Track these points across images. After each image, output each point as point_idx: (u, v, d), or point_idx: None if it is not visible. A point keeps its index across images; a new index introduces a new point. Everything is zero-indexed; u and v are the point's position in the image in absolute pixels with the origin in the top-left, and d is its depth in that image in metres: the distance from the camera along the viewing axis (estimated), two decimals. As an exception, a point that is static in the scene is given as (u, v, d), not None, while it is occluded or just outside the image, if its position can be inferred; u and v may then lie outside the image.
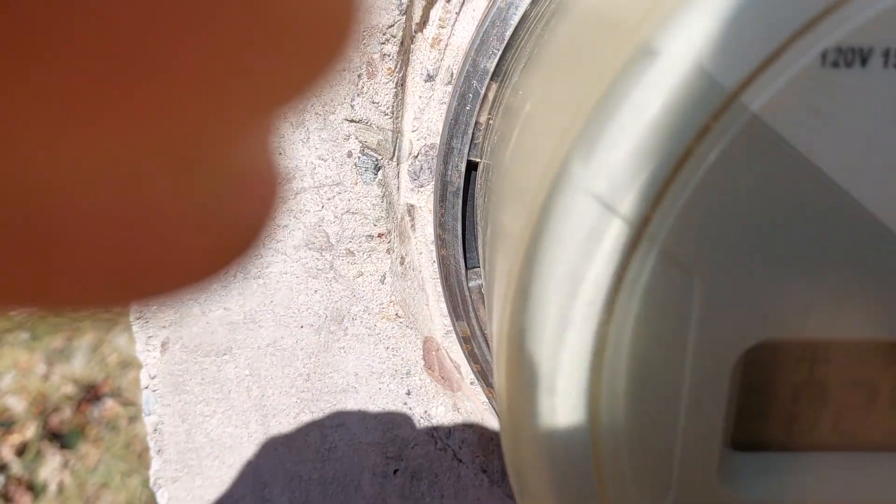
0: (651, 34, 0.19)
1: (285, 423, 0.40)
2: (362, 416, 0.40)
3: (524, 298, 0.22)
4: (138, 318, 0.38)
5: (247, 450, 0.41)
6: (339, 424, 0.40)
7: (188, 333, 0.38)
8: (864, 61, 0.19)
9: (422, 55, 0.36)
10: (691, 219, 0.20)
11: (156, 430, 0.41)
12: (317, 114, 0.34)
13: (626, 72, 0.19)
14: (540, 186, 0.21)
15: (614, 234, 0.20)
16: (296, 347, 0.39)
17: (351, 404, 0.40)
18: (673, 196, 0.20)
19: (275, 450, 0.41)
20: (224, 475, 0.41)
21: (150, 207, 0.09)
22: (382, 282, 0.38)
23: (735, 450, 0.24)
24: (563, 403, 0.22)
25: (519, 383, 0.23)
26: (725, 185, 0.20)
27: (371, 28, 0.33)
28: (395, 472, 0.41)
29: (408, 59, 0.36)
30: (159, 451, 0.41)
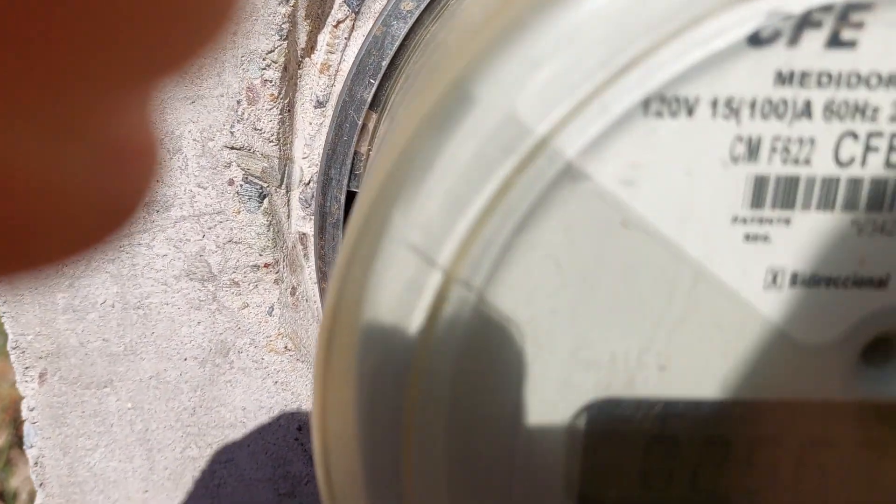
0: (467, 79, 0.18)
1: (171, 458, 0.39)
2: (252, 452, 0.39)
3: (351, 344, 0.21)
4: (15, 348, 0.37)
5: (132, 485, 0.39)
6: (227, 460, 0.39)
7: (66, 364, 0.37)
8: (690, 111, 0.18)
9: (311, 81, 0.35)
10: (509, 269, 0.19)
11: (37, 463, 0.39)
12: (194, 140, 0.33)
13: (440, 119, 0.18)
14: (359, 235, 0.20)
15: (432, 286, 0.19)
16: (180, 380, 0.37)
17: (240, 439, 0.38)
18: (485, 246, 0.19)
19: (161, 485, 0.39)
20: (109, 511, 0.40)
21: (14, 176, 0.09)
22: (270, 314, 0.36)
23: (583, 506, 0.23)
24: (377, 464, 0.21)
25: (338, 461, 0.21)
26: (541, 234, 0.19)
27: (250, 53, 0.32)
28: (288, 509, 0.40)
29: (295, 84, 0.34)
30: (41, 484, 0.39)
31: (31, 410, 0.38)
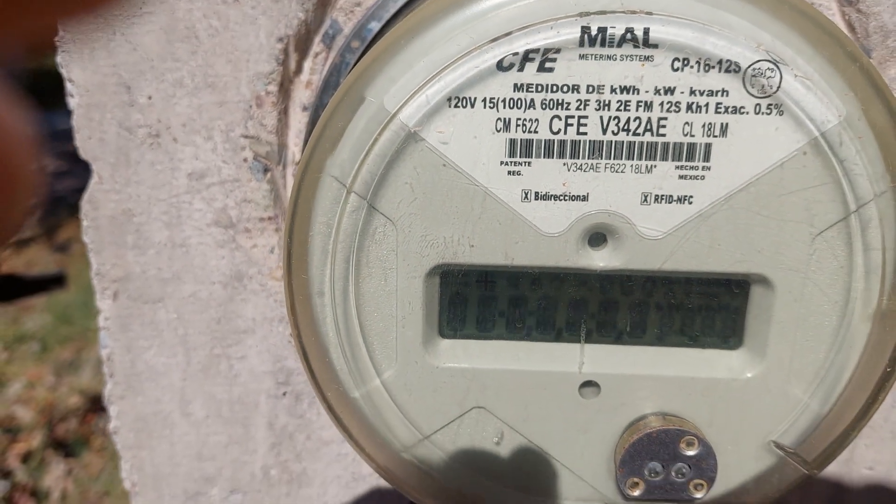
0: (360, 86, 0.35)
1: (202, 355, 0.55)
2: (259, 351, 0.55)
3: (303, 245, 0.37)
4: (97, 274, 0.54)
5: (174, 375, 0.56)
6: (241, 357, 0.55)
7: (132, 286, 0.54)
8: (472, 105, 0.34)
9: (299, 93, 0.51)
10: (385, 189, 0.35)
11: (108, 359, 0.56)
12: (221, 131, 0.50)
13: (346, 107, 0.35)
14: (305, 170, 0.36)
15: (348, 201, 0.36)
16: (209, 298, 0.54)
17: (250, 342, 0.55)
18: (372, 176, 0.35)
19: (195, 375, 0.56)
20: (158, 394, 0.56)
21: None
22: (271, 252, 0.53)
23: (443, 338, 0.39)
24: (330, 304, 0.37)
25: (300, 294, 0.38)
26: (402, 170, 0.35)
27: (258, 73, 0.49)
28: (284, 394, 0.56)
29: (289, 95, 0.51)
30: (111, 375, 0.56)
31: (107, 320, 0.55)
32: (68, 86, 0.50)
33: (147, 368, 0.56)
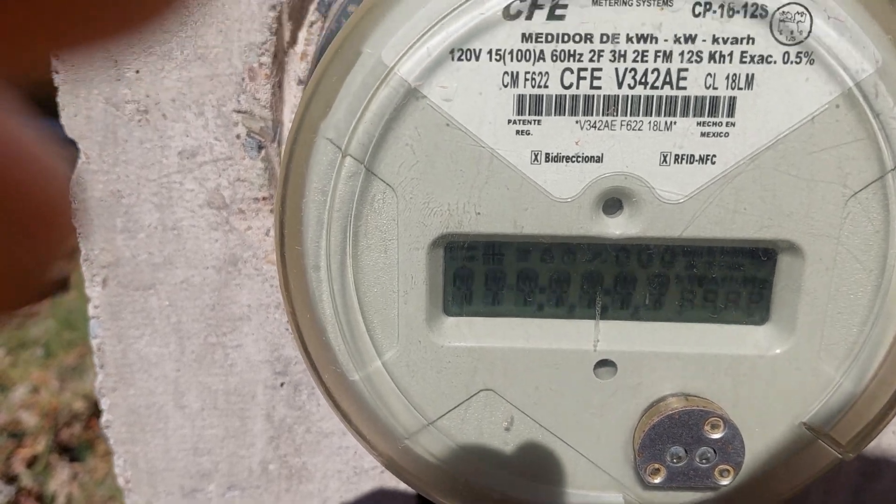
0: (355, 40, 0.32)
1: (196, 344, 0.53)
2: (255, 339, 0.53)
3: (296, 214, 0.35)
4: (85, 260, 0.51)
5: (167, 365, 0.53)
6: (237, 345, 0.53)
7: (122, 272, 0.51)
8: (476, 57, 0.32)
9: (294, 65, 0.49)
10: (385, 152, 0.33)
11: (99, 349, 0.53)
12: (212, 105, 0.48)
13: (341, 62, 0.32)
14: (298, 132, 0.34)
15: (343, 165, 0.33)
16: (203, 284, 0.51)
17: (246, 329, 0.52)
18: (369, 138, 0.32)
19: (189, 365, 0.53)
20: (151, 386, 0.54)
21: None
22: (267, 234, 0.51)
23: (448, 315, 0.37)
24: (326, 279, 0.35)
25: (294, 268, 0.35)
26: (402, 131, 0.32)
27: (250, 44, 0.47)
28: (282, 384, 0.54)
29: (283, 67, 0.49)
30: (102, 366, 0.54)
31: (96, 308, 0.52)
32: (53, 62, 0.48)
33: (139, 359, 0.53)
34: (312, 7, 0.47)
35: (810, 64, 0.31)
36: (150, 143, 0.49)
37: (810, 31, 0.30)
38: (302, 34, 0.48)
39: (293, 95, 0.49)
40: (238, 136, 0.49)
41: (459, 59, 0.31)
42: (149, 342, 0.53)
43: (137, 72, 0.47)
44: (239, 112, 0.48)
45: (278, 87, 0.49)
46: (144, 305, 0.52)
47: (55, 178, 0.11)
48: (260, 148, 0.49)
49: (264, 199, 0.50)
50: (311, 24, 0.48)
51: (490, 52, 0.31)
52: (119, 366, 0.54)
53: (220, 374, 0.53)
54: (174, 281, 0.51)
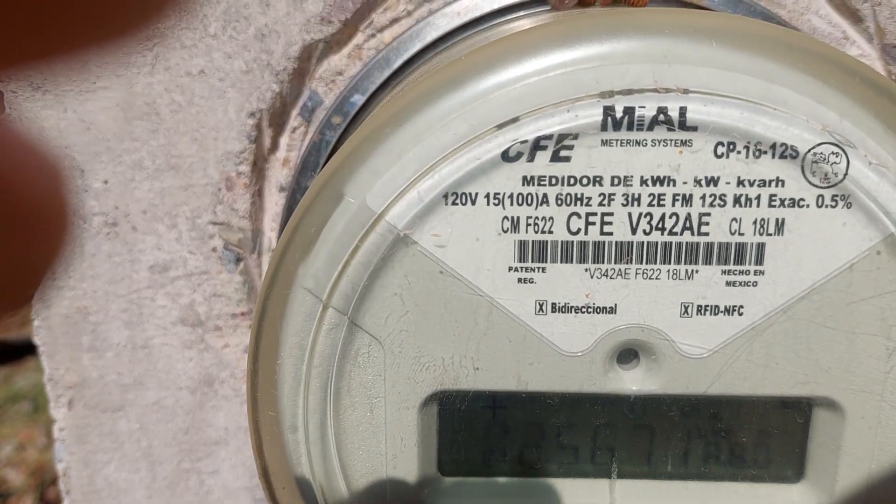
0: (337, 182, 0.29)
1: (169, 470, 0.48)
2: (233, 465, 0.48)
3: (270, 361, 0.31)
4: (50, 380, 0.47)
5: (138, 492, 0.49)
6: (213, 471, 0.49)
7: (88, 393, 0.47)
8: (473, 201, 0.28)
9: (275, 172, 0.46)
10: (370, 303, 0.29)
11: (64, 474, 0.49)
12: (186, 217, 0.44)
13: (321, 207, 0.29)
14: (273, 280, 0.30)
15: (324, 317, 0.30)
16: (176, 406, 0.47)
17: (223, 454, 0.48)
18: (352, 287, 0.29)
19: (161, 492, 0.49)
20: (119, 514, 0.49)
21: None
22: (245, 352, 0.47)
23: (443, 475, 0.33)
24: (304, 440, 0.31)
25: (267, 426, 0.31)
26: (390, 279, 0.29)
27: (227, 153, 0.43)
28: (262, 512, 0.49)
29: (264, 174, 0.45)
30: (68, 492, 0.49)
31: (62, 430, 0.48)
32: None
33: (107, 485, 0.49)
34: (295, 112, 0.44)
35: (847, 208, 0.27)
36: (119, 257, 0.45)
37: (846, 173, 0.27)
38: (284, 139, 0.45)
39: (274, 203, 0.46)
40: (214, 249, 0.45)
41: (454, 203, 0.28)
42: (118, 467, 0.49)
43: (105, 182, 0.44)
44: (215, 224, 0.44)
45: (258, 196, 0.45)
46: (113, 428, 0.48)
47: (51, 174, 0.10)
48: (238, 260, 0.45)
49: (243, 314, 0.46)
50: (294, 129, 0.44)
51: (488, 195, 0.28)
52: (86, 492, 0.49)
53: (195, 501, 0.49)
54: (145, 403, 0.47)
